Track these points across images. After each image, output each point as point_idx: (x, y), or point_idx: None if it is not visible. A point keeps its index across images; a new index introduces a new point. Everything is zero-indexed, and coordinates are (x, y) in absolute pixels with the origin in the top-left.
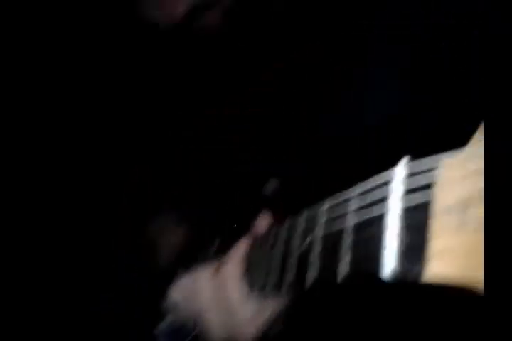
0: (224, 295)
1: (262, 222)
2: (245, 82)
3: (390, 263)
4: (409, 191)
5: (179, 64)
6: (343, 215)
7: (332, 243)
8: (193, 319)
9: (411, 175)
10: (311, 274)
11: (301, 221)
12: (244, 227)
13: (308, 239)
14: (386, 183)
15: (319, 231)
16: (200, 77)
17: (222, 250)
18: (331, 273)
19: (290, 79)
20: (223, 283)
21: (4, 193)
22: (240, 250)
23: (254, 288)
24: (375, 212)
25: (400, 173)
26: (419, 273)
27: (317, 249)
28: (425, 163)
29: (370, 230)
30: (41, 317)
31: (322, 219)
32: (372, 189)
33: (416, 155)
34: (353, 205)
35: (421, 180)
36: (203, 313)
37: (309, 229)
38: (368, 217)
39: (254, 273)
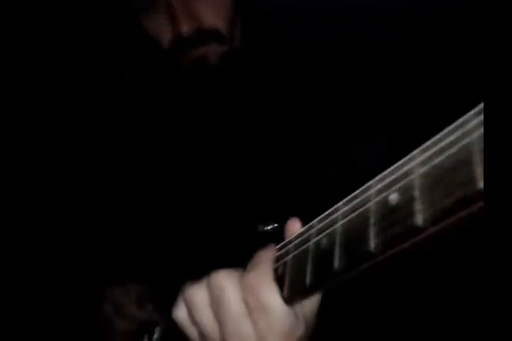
0: (261, 305)
1: (294, 226)
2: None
3: None
4: None
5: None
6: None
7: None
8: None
9: None
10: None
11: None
12: None
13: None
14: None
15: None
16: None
17: None
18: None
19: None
20: (257, 291)
21: None
22: (266, 257)
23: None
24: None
25: None
26: None
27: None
28: None
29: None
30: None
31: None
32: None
33: None
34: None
35: None
36: (233, 328)
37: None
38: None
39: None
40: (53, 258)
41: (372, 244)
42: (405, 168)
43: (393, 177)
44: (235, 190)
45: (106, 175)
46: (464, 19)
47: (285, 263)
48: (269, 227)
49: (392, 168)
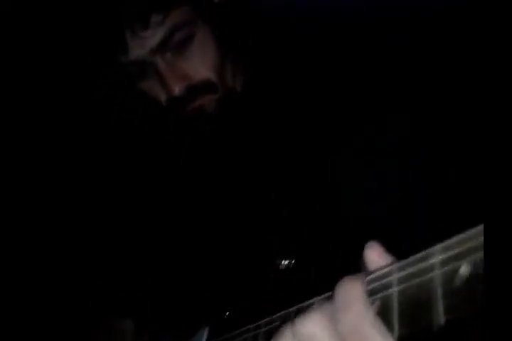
0: None
1: (374, 254)
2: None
3: None
4: None
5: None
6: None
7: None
8: None
9: None
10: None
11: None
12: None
13: None
14: None
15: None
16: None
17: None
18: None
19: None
20: (355, 329)
21: None
22: (360, 293)
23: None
24: None
25: None
26: None
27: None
28: None
29: None
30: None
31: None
32: None
33: None
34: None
35: None
36: None
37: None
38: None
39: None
40: (51, 258)
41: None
42: None
43: None
44: (236, 192)
45: (105, 176)
46: (464, 19)
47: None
48: (285, 262)
49: None
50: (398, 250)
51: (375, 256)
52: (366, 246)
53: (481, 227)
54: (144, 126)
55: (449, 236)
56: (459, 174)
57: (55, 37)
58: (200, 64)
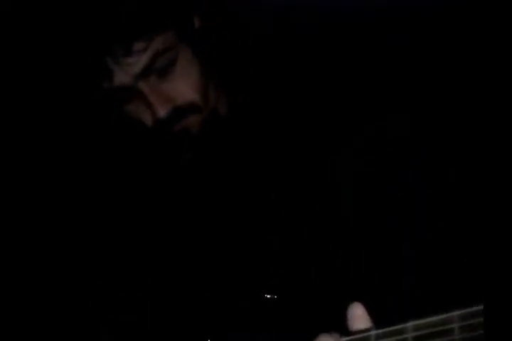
0: None
1: (357, 312)
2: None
3: None
4: None
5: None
6: None
7: None
8: None
9: None
10: None
11: None
12: None
13: None
14: None
15: None
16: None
17: None
18: None
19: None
20: None
21: None
22: None
23: None
24: None
25: None
26: None
27: None
28: None
29: None
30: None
31: None
32: None
33: None
34: None
35: None
36: None
37: None
38: None
39: None
40: (51, 258)
41: None
42: None
43: None
44: (235, 192)
45: (105, 176)
46: (464, 19)
47: None
48: (268, 296)
49: None
50: (398, 250)
51: (357, 315)
52: (350, 305)
53: (452, 314)
54: (143, 126)
55: (448, 236)
56: (459, 174)
57: (56, 37)
58: (183, 86)
